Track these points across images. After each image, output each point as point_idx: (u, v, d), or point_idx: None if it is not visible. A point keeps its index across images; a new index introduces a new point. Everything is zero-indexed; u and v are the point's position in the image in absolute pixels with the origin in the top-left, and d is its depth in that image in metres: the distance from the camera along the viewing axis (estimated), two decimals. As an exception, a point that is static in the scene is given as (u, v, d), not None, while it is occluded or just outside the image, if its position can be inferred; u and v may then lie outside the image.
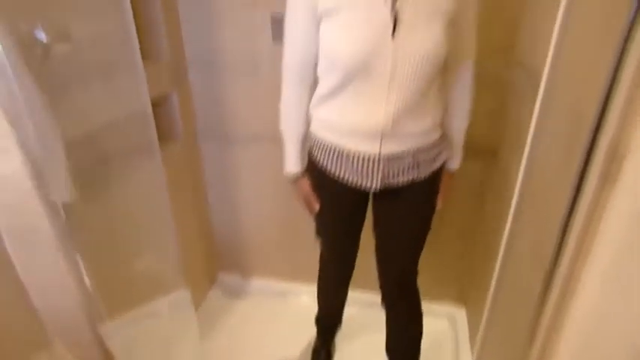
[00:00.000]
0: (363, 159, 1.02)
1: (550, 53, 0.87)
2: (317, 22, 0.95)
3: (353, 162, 1.03)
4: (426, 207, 1.14)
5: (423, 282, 1.27)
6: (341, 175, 1.06)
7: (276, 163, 1.72)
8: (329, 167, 1.07)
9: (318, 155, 1.10)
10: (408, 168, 1.03)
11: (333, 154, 1.05)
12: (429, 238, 1.20)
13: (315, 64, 1.03)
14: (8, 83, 0.82)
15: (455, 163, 1.16)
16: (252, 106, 1.66)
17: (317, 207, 1.17)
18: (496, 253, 1.27)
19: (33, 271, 0.95)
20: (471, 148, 1.56)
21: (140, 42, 1.52)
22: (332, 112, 1.02)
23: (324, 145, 1.07)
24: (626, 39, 0.59)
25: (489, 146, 1.53)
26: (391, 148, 0.99)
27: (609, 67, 0.61)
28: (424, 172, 1.06)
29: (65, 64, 1.09)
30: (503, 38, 1.38)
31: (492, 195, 1.54)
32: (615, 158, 0.62)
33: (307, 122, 1.12)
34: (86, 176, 1.16)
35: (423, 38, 0.88)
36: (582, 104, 0.77)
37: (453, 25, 0.91)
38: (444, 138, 1.10)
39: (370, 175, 1.03)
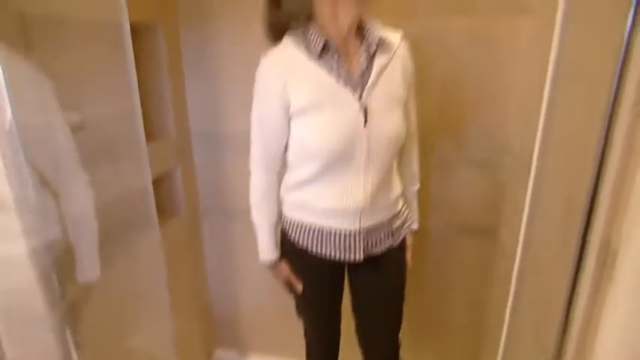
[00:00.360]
0: (345, 235, 1.06)
1: (538, 141, 0.91)
2: (288, 119, 1.00)
3: (334, 239, 1.07)
4: (402, 275, 1.20)
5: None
6: (322, 252, 1.09)
7: None
8: (308, 246, 1.10)
9: (295, 235, 1.12)
10: (385, 237, 1.11)
11: (312, 232, 1.08)
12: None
13: (284, 153, 1.07)
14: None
15: (415, 224, 1.24)
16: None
17: (300, 287, 1.17)
18: (499, 333, 1.24)
19: (20, 345, 0.93)
20: (471, 228, 1.59)
21: (148, 119, 1.61)
22: (309, 196, 1.06)
23: (301, 226, 1.10)
24: (607, 130, 0.62)
25: (488, 226, 1.54)
26: (370, 221, 1.06)
27: (595, 156, 0.64)
28: (398, 239, 1.14)
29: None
30: (492, 123, 1.44)
31: (493, 275, 1.53)
32: (609, 252, 0.64)
33: (279, 209, 1.15)
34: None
35: (390, 122, 0.99)
36: (574, 191, 0.79)
37: (405, 109, 1.06)
38: (406, 204, 1.21)
39: (353, 248, 1.07)
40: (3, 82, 0.81)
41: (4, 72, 0.79)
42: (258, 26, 1.48)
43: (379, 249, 1.11)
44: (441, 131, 1.49)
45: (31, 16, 0.95)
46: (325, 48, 0.95)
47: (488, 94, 1.42)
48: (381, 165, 1.01)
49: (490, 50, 1.38)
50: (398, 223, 1.14)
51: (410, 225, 1.20)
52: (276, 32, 1.02)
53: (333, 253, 1.08)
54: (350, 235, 1.06)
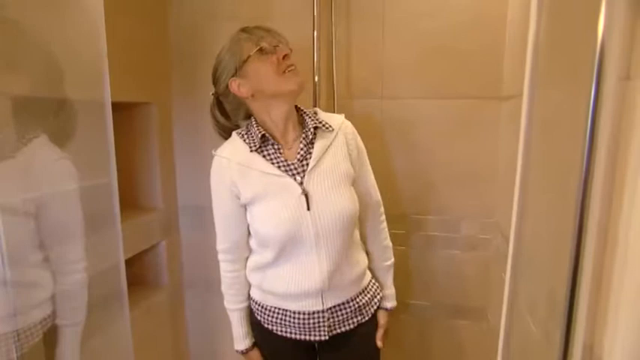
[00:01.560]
0: (308, 315, 1.05)
1: (512, 226, 0.89)
2: (243, 208, 1.06)
3: (297, 320, 1.06)
4: (373, 353, 1.16)
5: None
6: (287, 333, 1.08)
7: None
8: (274, 327, 1.10)
9: (261, 317, 1.12)
10: (352, 314, 1.08)
11: (276, 314, 1.09)
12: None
13: (248, 240, 1.11)
14: None
15: (390, 302, 1.19)
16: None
17: None
18: None
19: None
20: (460, 307, 1.55)
21: (137, 193, 1.62)
22: (269, 279, 1.07)
23: (264, 307, 1.10)
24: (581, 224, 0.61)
25: (478, 305, 1.50)
26: (333, 300, 1.05)
27: (571, 250, 0.63)
28: (367, 315, 1.11)
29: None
30: (479, 202, 1.45)
31: (485, 357, 1.46)
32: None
33: (248, 297, 1.16)
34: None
35: (334, 202, 1.01)
36: (555, 285, 0.77)
37: (355, 183, 1.08)
38: (375, 279, 1.18)
39: (317, 328, 1.06)
40: None
41: None
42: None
43: (346, 326, 1.08)
44: (428, 209, 1.49)
45: (20, 97, 0.98)
46: (264, 140, 1.03)
47: (476, 175, 1.44)
48: (333, 245, 1.02)
49: (476, 133, 1.42)
50: (365, 299, 1.11)
51: (379, 300, 1.16)
52: (226, 132, 1.15)
53: (297, 334, 1.08)
54: (313, 315, 1.05)
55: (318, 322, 1.06)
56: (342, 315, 1.07)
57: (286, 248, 1.01)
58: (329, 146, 1.04)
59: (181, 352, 1.78)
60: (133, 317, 1.19)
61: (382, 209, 1.18)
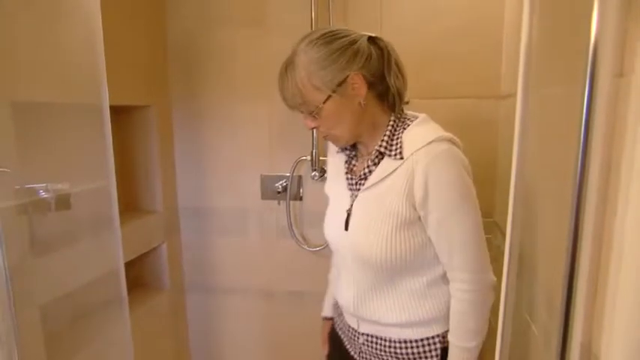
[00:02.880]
0: (349, 327, 1.02)
1: (508, 226, 0.88)
2: None
3: (345, 327, 1.04)
4: None
5: None
6: (338, 328, 1.08)
7: (260, 317, 1.69)
8: (335, 323, 1.11)
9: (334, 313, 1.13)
10: (389, 355, 0.96)
11: (339, 316, 1.08)
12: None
13: None
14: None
15: None
16: (238, 260, 1.67)
17: (325, 350, 1.17)
18: None
19: None
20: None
21: (137, 195, 1.62)
22: (338, 281, 1.04)
23: (336, 308, 1.10)
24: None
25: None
26: (368, 329, 0.97)
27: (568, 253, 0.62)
28: None
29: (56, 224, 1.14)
30: (481, 203, 1.44)
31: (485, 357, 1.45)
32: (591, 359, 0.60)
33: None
34: (57, 339, 1.12)
35: (366, 238, 0.88)
36: (553, 287, 0.77)
37: (413, 230, 0.86)
38: (442, 340, 0.95)
39: (354, 345, 1.01)
40: None
41: None
42: (243, 106, 1.56)
43: None
44: None
45: (20, 103, 0.99)
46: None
47: (476, 174, 1.43)
48: (365, 277, 0.92)
49: (475, 132, 1.41)
50: (409, 352, 0.94)
51: None
52: None
53: (345, 342, 1.06)
54: (351, 329, 1.02)
55: (356, 339, 1.00)
56: (377, 349, 0.97)
57: (335, 254, 1.02)
58: (391, 173, 0.86)
59: (182, 355, 1.78)
60: (134, 320, 1.19)
61: (467, 287, 0.87)
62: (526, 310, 0.97)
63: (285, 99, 0.89)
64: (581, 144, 0.58)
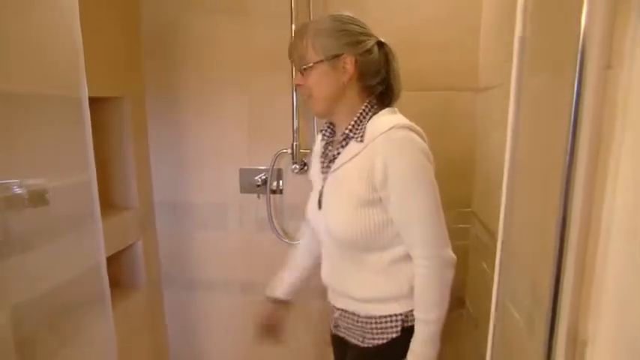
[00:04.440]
0: (330, 304, 1.10)
1: (502, 215, 0.90)
2: None
3: (330, 308, 1.11)
4: None
5: None
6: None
7: (240, 311, 1.67)
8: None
9: None
10: (356, 330, 1.03)
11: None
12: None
13: None
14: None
15: (412, 349, 0.97)
16: (217, 255, 1.65)
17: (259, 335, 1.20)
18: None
19: None
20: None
21: (111, 191, 1.57)
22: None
23: None
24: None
25: (455, 294, 1.52)
26: (342, 304, 1.05)
27: (556, 236, 0.64)
28: (367, 343, 1.01)
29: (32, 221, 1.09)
30: (459, 193, 1.47)
31: (464, 346, 1.49)
32: (577, 343, 0.62)
33: (303, 258, 1.19)
34: (31, 342, 1.07)
35: (331, 215, 0.97)
36: (538, 274, 0.79)
37: (374, 209, 0.91)
38: (404, 318, 0.99)
39: (332, 316, 1.10)
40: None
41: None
42: (222, 98, 1.53)
43: (348, 337, 1.06)
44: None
45: None
46: (324, 132, 1.05)
47: (454, 165, 1.46)
48: (337, 253, 1.01)
49: (452, 123, 1.43)
50: (372, 327, 0.99)
51: (392, 339, 0.98)
52: None
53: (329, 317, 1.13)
54: (331, 304, 1.09)
55: (334, 314, 1.08)
56: (349, 323, 1.04)
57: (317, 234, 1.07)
58: (354, 156, 0.93)
59: (161, 353, 1.74)
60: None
61: (427, 263, 0.91)
62: (507, 297, 1.00)
63: (289, 49, 0.98)
64: (569, 134, 0.60)
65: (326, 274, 1.06)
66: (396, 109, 0.98)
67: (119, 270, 1.60)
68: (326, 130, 1.04)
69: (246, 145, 1.55)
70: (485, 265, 1.29)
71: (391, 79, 0.97)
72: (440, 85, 1.42)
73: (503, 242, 0.75)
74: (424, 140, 0.93)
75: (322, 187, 1.01)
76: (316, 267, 1.13)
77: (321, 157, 1.04)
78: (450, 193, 1.46)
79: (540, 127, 0.74)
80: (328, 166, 1.00)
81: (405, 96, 1.46)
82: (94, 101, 1.46)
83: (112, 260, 1.54)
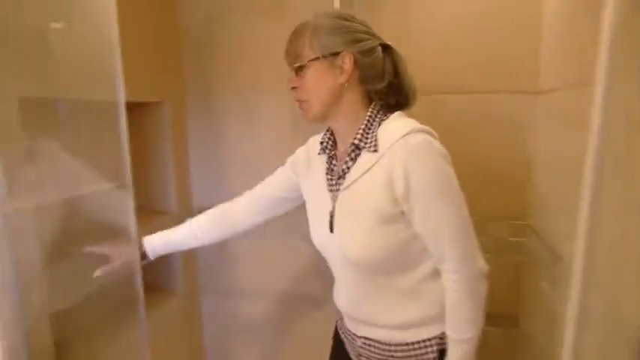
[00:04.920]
0: (348, 331, 1.00)
1: (581, 239, 0.78)
2: (285, 186, 1.06)
3: (344, 331, 1.03)
4: None
5: None
6: (342, 336, 1.06)
7: (277, 324, 1.63)
8: (338, 327, 1.09)
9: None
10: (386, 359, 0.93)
11: (340, 319, 1.05)
12: None
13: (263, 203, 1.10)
14: None
15: None
16: (256, 263, 1.61)
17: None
18: None
19: None
20: (491, 312, 1.48)
21: (150, 196, 1.56)
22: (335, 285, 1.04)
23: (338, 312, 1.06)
24: None
25: (508, 312, 1.42)
26: (365, 332, 0.95)
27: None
28: None
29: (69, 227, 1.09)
30: (512, 204, 1.37)
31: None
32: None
33: (195, 227, 1.14)
34: (68, 348, 1.07)
35: (348, 238, 0.87)
36: (622, 308, 0.69)
37: (397, 225, 0.84)
38: (440, 341, 0.91)
39: (353, 347, 1.00)
40: None
41: None
42: (263, 101, 1.49)
43: None
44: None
45: (29, 98, 0.93)
46: (325, 144, 0.95)
47: (508, 175, 1.36)
48: (355, 279, 0.91)
49: (508, 129, 1.33)
50: (408, 354, 0.91)
51: None
52: None
53: (345, 341, 1.04)
54: (349, 332, 0.99)
55: (355, 342, 0.97)
56: (375, 352, 0.94)
57: (324, 257, 0.98)
58: (369, 169, 0.84)
59: (198, 358, 1.72)
60: (147, 324, 1.14)
61: (457, 277, 0.84)
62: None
63: (286, 48, 0.90)
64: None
65: (344, 303, 0.96)
66: (403, 113, 0.90)
67: (157, 275, 1.58)
68: (327, 142, 0.94)
69: (288, 148, 1.50)
70: (543, 284, 1.18)
71: (403, 84, 0.89)
72: (492, 87, 1.32)
73: (584, 269, 0.65)
74: (440, 144, 0.85)
75: (333, 207, 0.90)
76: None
77: (327, 173, 0.93)
78: (502, 204, 1.37)
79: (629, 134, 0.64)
80: (338, 184, 0.90)
81: (452, 100, 1.38)
82: (133, 106, 1.46)
83: (150, 266, 1.52)
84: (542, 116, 1.26)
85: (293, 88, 0.89)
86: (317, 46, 0.84)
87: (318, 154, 0.96)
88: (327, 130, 0.96)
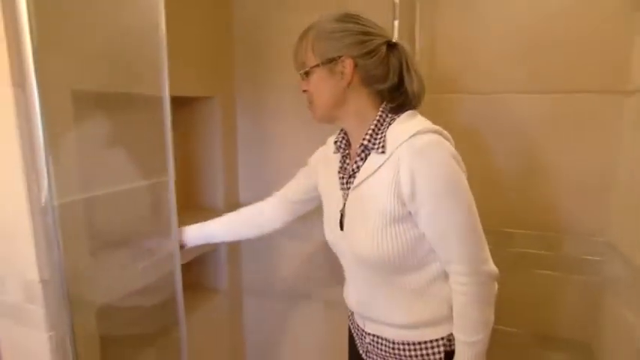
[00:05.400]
0: (357, 326, 1.01)
1: None
2: (309, 188, 1.08)
3: (354, 326, 1.03)
4: None
5: None
6: (353, 331, 1.06)
7: (322, 329, 1.57)
8: (349, 322, 1.08)
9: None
10: (390, 359, 0.94)
11: (351, 314, 1.05)
12: None
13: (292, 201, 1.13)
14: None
15: None
16: (301, 265, 1.56)
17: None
18: None
19: None
20: (559, 337, 1.31)
21: (197, 191, 1.55)
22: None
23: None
24: None
25: (580, 339, 1.27)
26: (373, 329, 0.95)
27: None
28: None
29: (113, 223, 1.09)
30: (589, 218, 1.22)
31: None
32: None
33: (227, 222, 1.16)
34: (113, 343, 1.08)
35: (357, 237, 0.87)
36: None
37: (404, 225, 0.83)
38: (447, 342, 0.90)
39: (362, 343, 1.00)
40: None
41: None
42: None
43: None
44: (522, 222, 1.29)
45: (80, 91, 0.93)
46: (338, 143, 0.96)
47: (585, 184, 1.21)
48: (365, 277, 0.92)
49: (590, 133, 1.18)
50: (413, 354, 0.91)
51: None
52: None
53: (355, 336, 1.04)
54: (359, 328, 1.00)
55: (363, 339, 0.98)
56: (382, 349, 0.94)
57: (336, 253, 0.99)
58: (377, 170, 0.84)
59: (237, 356, 1.71)
60: (190, 321, 1.14)
61: (465, 280, 0.83)
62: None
63: (294, 52, 0.93)
64: None
65: (353, 301, 0.97)
66: (416, 112, 0.88)
67: (202, 273, 1.58)
68: (341, 142, 0.95)
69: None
70: (626, 312, 1.03)
71: (407, 83, 0.86)
72: (576, 87, 1.17)
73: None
74: (452, 144, 0.83)
75: (344, 205, 0.91)
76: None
77: (339, 171, 0.95)
78: (580, 217, 1.22)
79: None
80: (348, 182, 0.91)
81: (531, 100, 1.25)
82: (183, 101, 1.45)
83: (195, 262, 1.52)
84: (632, 119, 1.10)
85: (304, 91, 0.92)
86: (317, 52, 0.86)
87: (333, 152, 0.97)
88: (342, 130, 0.96)
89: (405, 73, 0.86)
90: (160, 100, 0.96)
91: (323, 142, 1.45)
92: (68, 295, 0.88)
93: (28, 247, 0.88)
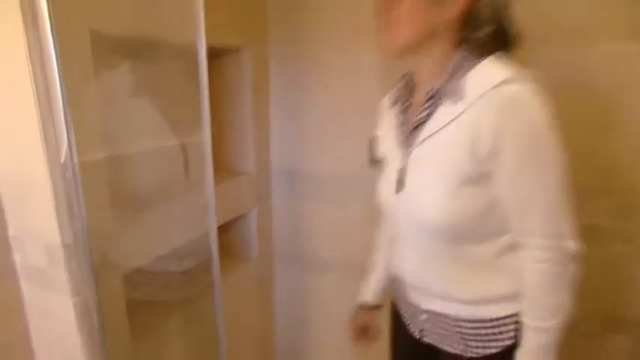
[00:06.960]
0: (410, 305, 0.93)
1: None
2: None
3: (404, 304, 0.96)
4: None
5: None
6: (402, 314, 0.99)
7: (354, 299, 1.51)
8: (395, 300, 1.01)
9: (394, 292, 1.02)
10: (452, 338, 0.86)
11: (398, 292, 0.98)
12: None
13: None
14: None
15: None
16: (336, 233, 1.49)
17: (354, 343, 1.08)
18: None
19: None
20: (617, 318, 1.20)
21: (227, 154, 1.47)
22: (395, 252, 0.96)
23: (394, 283, 1.00)
24: None
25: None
26: (431, 305, 0.87)
27: None
28: (472, 353, 0.85)
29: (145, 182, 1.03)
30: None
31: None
32: None
33: (386, 257, 1.04)
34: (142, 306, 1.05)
35: (426, 200, 0.78)
36: None
37: (479, 188, 0.74)
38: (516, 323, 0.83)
39: (415, 321, 0.93)
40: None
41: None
42: (354, 55, 1.30)
43: (443, 346, 0.88)
44: (593, 192, 1.15)
45: (106, 35, 0.84)
46: (399, 92, 0.87)
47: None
48: (423, 245, 0.83)
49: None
50: (477, 333, 0.84)
51: (507, 348, 0.83)
52: None
53: (406, 318, 0.96)
54: (412, 305, 0.92)
55: (417, 317, 0.91)
56: (442, 327, 0.87)
57: (389, 220, 0.92)
58: (450, 121, 0.74)
59: (267, 330, 1.69)
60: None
61: (543, 256, 0.75)
62: None
63: None
64: None
65: (409, 271, 0.88)
66: (504, 56, 0.75)
67: (231, 239, 1.52)
68: (402, 90, 0.86)
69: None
70: None
71: (505, 28, 0.75)
72: None
73: None
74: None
75: (404, 165, 0.81)
76: None
77: (399, 126, 0.85)
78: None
79: None
80: (410, 138, 0.80)
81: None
82: (210, 52, 1.33)
83: (224, 228, 1.46)
84: None
85: (385, 6, 0.77)
86: None
87: (390, 107, 0.89)
88: (403, 77, 0.87)
89: (502, 18, 0.75)
90: (189, 49, 0.86)
91: (365, 108, 1.33)
92: (92, 260, 0.83)
93: (48, 208, 0.82)
